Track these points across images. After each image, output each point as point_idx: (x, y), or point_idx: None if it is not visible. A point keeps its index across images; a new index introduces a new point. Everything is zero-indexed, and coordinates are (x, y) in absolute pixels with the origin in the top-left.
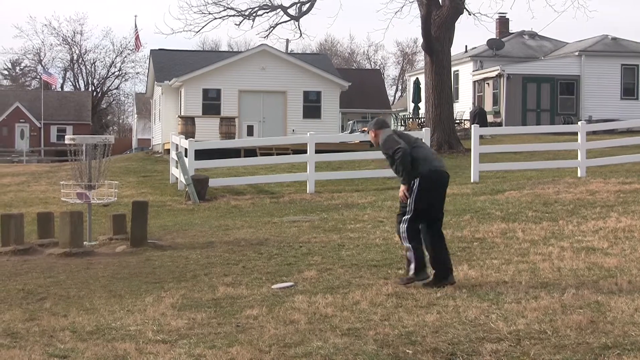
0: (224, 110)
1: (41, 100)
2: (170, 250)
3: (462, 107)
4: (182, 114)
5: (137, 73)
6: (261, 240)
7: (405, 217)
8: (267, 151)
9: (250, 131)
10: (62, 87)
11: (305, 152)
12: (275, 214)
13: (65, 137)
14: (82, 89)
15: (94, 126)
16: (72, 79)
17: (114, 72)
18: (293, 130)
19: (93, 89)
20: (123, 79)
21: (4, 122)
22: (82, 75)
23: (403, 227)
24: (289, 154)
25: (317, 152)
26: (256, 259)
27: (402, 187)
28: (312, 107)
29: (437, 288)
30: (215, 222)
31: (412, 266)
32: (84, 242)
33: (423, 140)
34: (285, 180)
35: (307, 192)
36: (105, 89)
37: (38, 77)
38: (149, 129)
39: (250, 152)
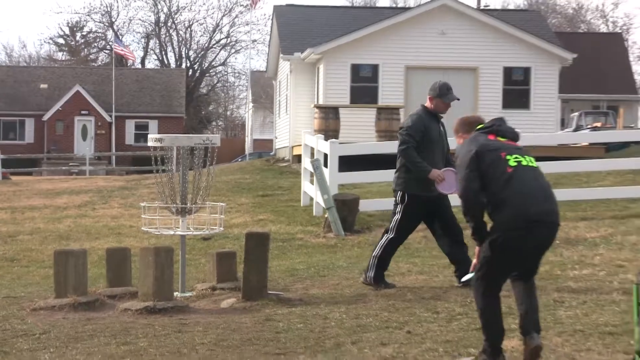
0: (382, 96)
1: (112, 82)
2: (301, 307)
3: None
4: (321, 102)
5: (254, 41)
6: (437, 292)
7: None
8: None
9: None
10: (142, 62)
11: None
12: None
13: (148, 137)
14: (173, 65)
15: (190, 121)
16: (157, 51)
17: (220, 40)
18: None
19: (188, 65)
20: (233, 51)
21: (59, 115)
22: (172, 45)
23: None
24: None
25: None
26: (429, 321)
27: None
28: (516, 92)
29: None
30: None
31: None
32: (175, 293)
33: None
34: None
35: None
36: (207, 65)
37: (108, 48)
38: (270, 125)
39: None
